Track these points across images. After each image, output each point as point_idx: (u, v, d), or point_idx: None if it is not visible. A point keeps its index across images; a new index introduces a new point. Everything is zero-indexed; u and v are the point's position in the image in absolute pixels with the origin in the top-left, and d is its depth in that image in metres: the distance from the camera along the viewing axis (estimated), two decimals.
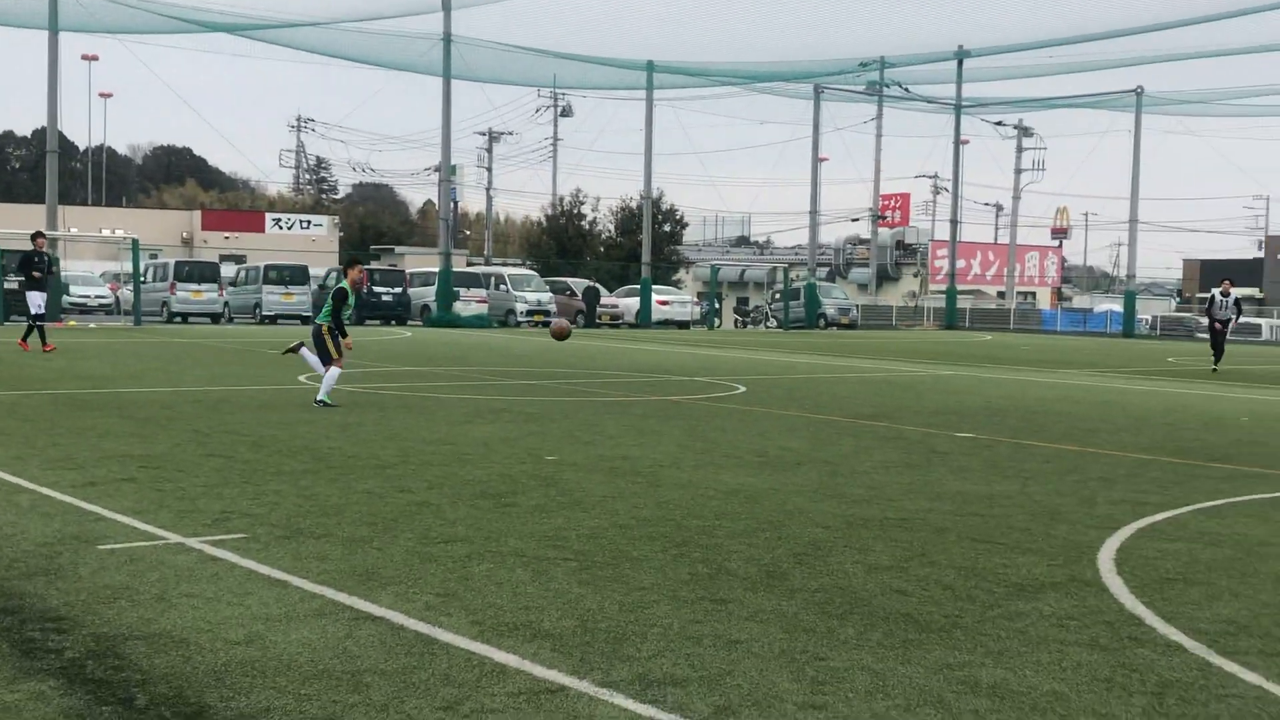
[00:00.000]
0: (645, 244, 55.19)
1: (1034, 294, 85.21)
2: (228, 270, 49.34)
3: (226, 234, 73.47)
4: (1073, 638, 5.90)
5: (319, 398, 15.18)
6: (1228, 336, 30.42)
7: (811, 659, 5.44)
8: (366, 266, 50.32)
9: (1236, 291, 31.45)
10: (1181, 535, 8.51)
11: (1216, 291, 30.39)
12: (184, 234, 74.18)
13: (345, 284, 15.76)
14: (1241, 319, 32.86)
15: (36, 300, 24.39)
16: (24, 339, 24.36)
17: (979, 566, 7.35)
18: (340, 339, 15.47)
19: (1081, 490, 10.35)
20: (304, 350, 16.19)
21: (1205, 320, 31.65)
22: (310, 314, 42.32)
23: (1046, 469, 11.56)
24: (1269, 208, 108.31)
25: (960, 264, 69.54)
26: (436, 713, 4.68)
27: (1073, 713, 4.86)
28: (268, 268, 46.06)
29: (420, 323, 47.01)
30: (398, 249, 75.52)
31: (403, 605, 6.14)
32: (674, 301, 54.57)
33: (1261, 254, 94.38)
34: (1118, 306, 65.53)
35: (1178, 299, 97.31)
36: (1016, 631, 5.97)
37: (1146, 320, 64.25)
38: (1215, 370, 28.93)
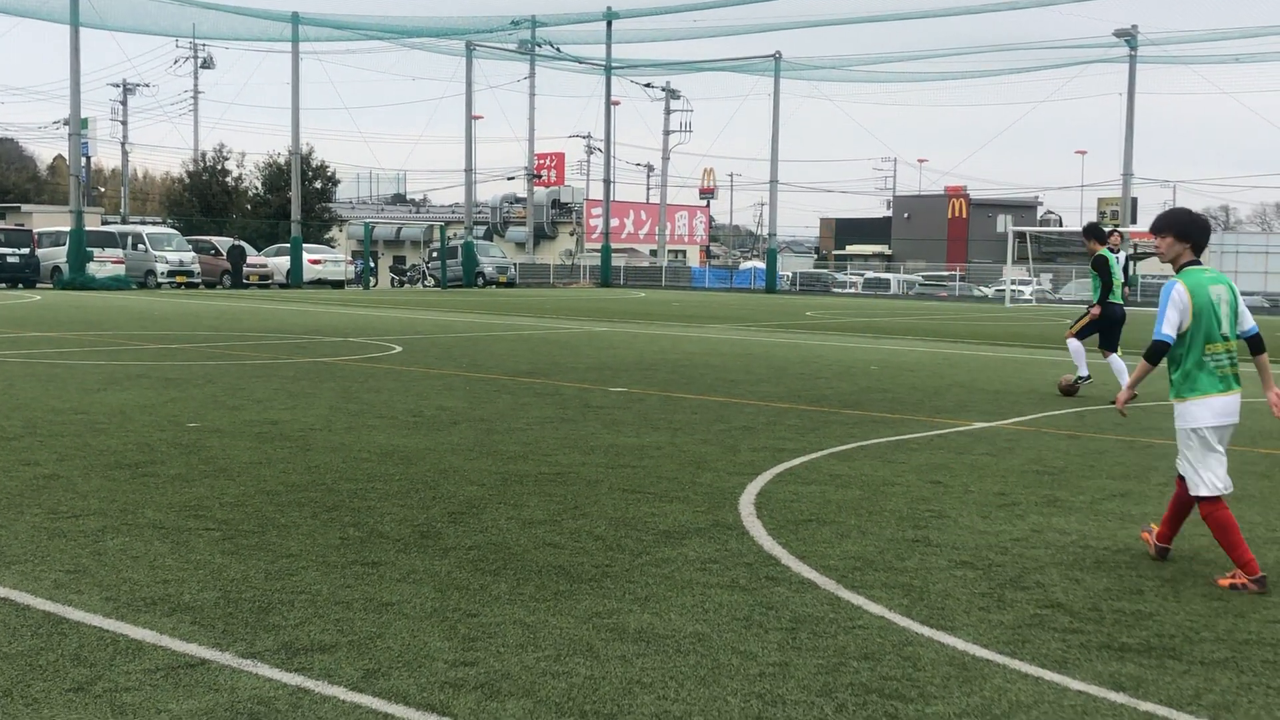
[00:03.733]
0: (295, 201, 53.58)
1: (684, 252, 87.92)
2: None
3: None
4: (715, 580, 6.14)
5: None
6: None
7: (464, 616, 5.45)
8: None
9: (866, 248, 31.28)
10: (815, 478, 9.00)
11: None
12: None
13: None
14: (870, 274, 32.12)
15: None
16: None
17: (629, 516, 7.54)
18: None
19: (726, 439, 10.78)
20: None
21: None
22: None
23: (694, 420, 11.98)
24: (896, 169, 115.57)
25: (614, 223, 70.91)
26: (66, 694, 4.42)
27: (714, 651, 5.06)
28: None
29: (51, 285, 44.10)
30: (24, 207, 70.34)
31: (29, 584, 5.76)
32: (327, 260, 53.30)
33: (890, 213, 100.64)
34: (761, 264, 68.51)
35: (816, 256, 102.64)
36: (663, 577, 6.17)
37: (787, 277, 67.46)
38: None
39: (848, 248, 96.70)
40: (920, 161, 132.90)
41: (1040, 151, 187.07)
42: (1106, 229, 15.83)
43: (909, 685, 4.74)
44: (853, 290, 66.43)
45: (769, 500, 8.16)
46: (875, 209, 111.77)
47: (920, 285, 66.47)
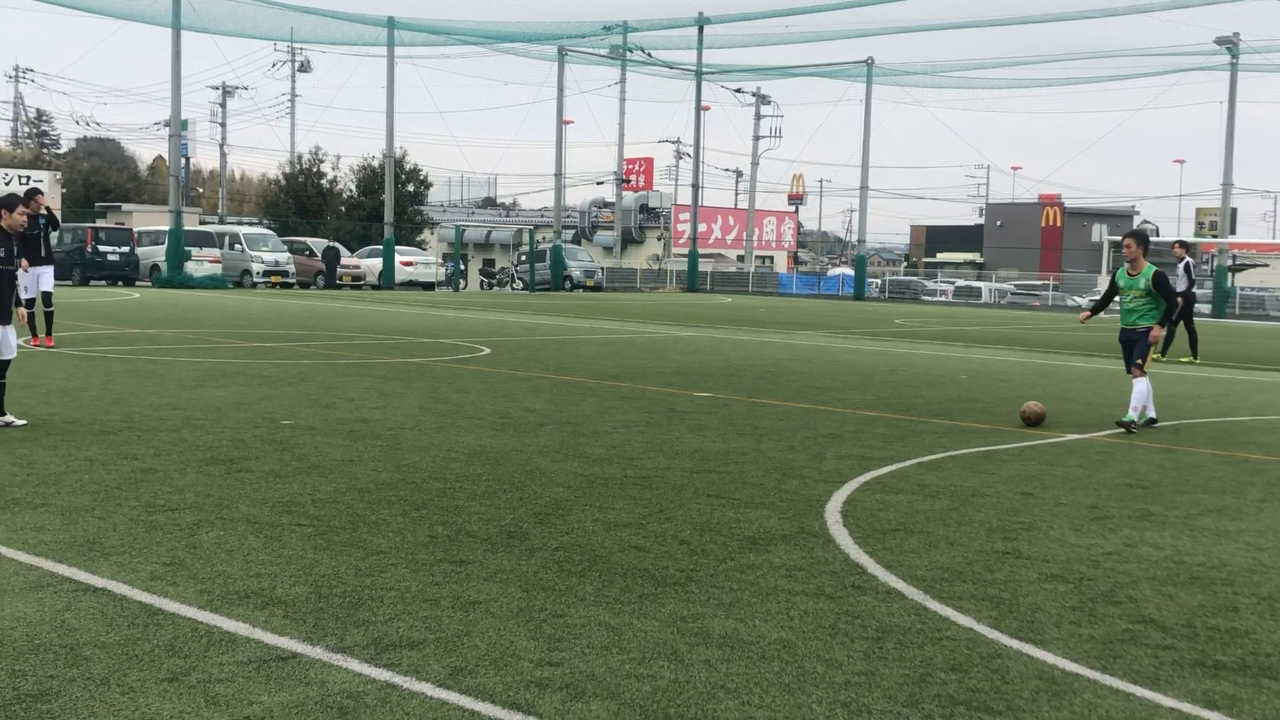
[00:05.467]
0: (388, 204, 54.21)
1: (771, 258, 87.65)
2: None
3: None
4: (800, 587, 6.12)
5: None
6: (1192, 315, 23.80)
7: (549, 616, 5.48)
8: (92, 225, 48.15)
9: (957, 256, 31.14)
10: (903, 488, 8.92)
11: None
12: None
13: None
14: (963, 283, 31.96)
15: (29, 280, 17.47)
16: (46, 333, 18.14)
17: (714, 521, 7.54)
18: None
19: (812, 446, 10.73)
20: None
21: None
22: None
23: (780, 426, 11.94)
24: (989, 176, 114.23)
25: (701, 228, 70.87)
26: (161, 684, 4.52)
27: (799, 659, 5.04)
28: None
29: (149, 283, 45.06)
30: (125, 206, 71.99)
31: (126, 576, 5.89)
32: (418, 262, 53.85)
33: (982, 220, 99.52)
34: (849, 270, 68.07)
35: (906, 263, 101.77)
36: (748, 583, 6.16)
37: (876, 283, 66.93)
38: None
39: (938, 255, 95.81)
40: (1014, 169, 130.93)
41: (1137, 160, 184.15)
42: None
43: (997, 698, 4.68)
44: (943, 298, 65.76)
45: (855, 509, 8.11)
46: (967, 216, 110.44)
47: (1012, 294, 65.63)
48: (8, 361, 10.46)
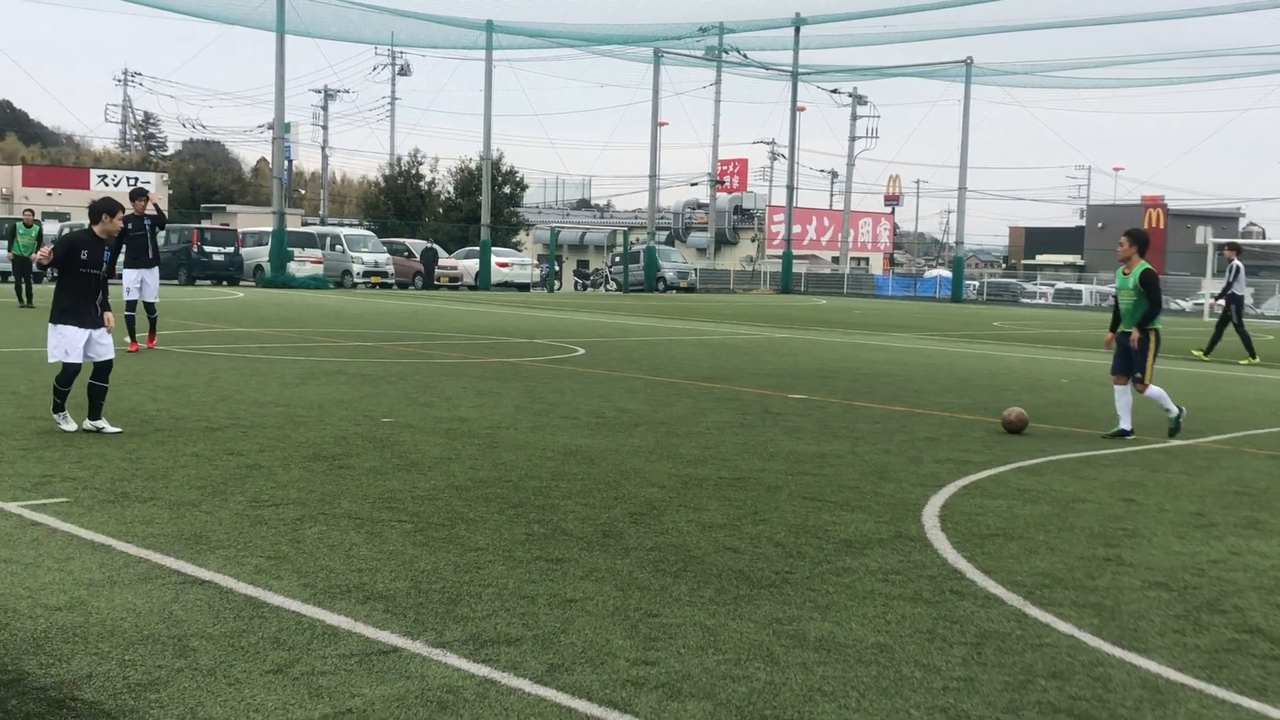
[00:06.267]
0: (485, 205, 54.71)
1: (867, 259, 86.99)
2: (51, 229, 47.32)
3: (49, 190, 70.52)
4: (897, 591, 6.08)
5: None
6: (1238, 316, 23.88)
7: (645, 616, 5.50)
8: (198, 226, 49.18)
9: (1057, 258, 31.02)
10: (1002, 492, 8.82)
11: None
12: (3, 190, 71.04)
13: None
14: (1066, 285, 31.92)
15: (131, 281, 17.32)
16: (149, 334, 17.32)
17: (809, 524, 7.51)
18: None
19: (908, 449, 10.64)
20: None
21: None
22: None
23: (875, 429, 11.85)
24: (1090, 177, 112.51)
25: (796, 229, 70.55)
26: (266, 676, 4.61)
27: (896, 663, 5.01)
28: (2, 221, 43.35)
29: (253, 283, 45.92)
30: (229, 208, 73.50)
31: (232, 569, 6.02)
32: (514, 264, 54.24)
33: (1083, 222, 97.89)
34: (946, 272, 67.34)
35: (1004, 265, 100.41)
36: (844, 586, 6.13)
37: (974, 286, 66.12)
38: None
39: (1037, 257, 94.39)
40: (1116, 170, 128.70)
41: (1243, 161, 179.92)
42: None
43: (1099, 706, 4.62)
44: (1042, 301, 64.79)
45: (953, 513, 8.03)
46: (1067, 218, 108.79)
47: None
48: (108, 363, 10.25)
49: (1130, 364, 11.82)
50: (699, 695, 4.56)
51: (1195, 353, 23.87)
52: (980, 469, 9.75)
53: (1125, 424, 11.89)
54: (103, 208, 10.24)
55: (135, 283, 17.24)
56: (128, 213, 15.84)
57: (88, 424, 10.02)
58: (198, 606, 5.41)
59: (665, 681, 4.69)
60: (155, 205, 17.36)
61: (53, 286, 10.61)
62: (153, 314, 17.32)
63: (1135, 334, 11.72)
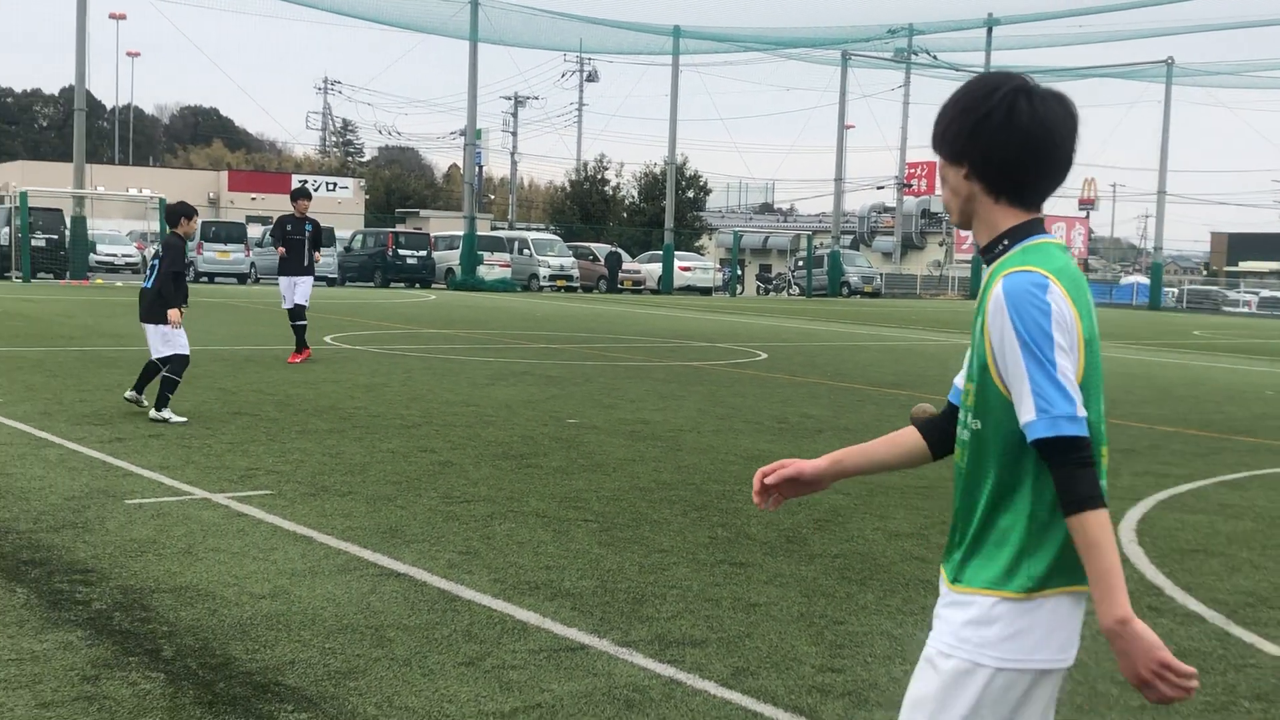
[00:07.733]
0: (668, 210, 55.06)
1: None
2: (254, 231, 49.37)
3: (253, 195, 73.53)
4: (1090, 606, 5.90)
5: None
6: None
7: (830, 623, 5.47)
8: (393, 230, 50.67)
9: (1262, 265, 29.94)
10: (1203, 507, 8.50)
11: None
12: (210, 194, 74.30)
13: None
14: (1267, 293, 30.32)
15: (284, 288, 16.34)
16: (295, 349, 15.95)
17: None
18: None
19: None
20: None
21: None
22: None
23: None
24: None
25: None
26: (459, 668, 4.73)
27: (1091, 679, 4.88)
28: (204, 224, 44.82)
29: (444, 286, 47.06)
30: (423, 212, 75.53)
31: (426, 563, 6.20)
32: (696, 268, 54.42)
33: None
34: (1143, 279, 65.13)
35: (1205, 272, 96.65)
36: None
37: (1173, 293, 63.84)
38: None
39: (1240, 264, 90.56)
40: None
41: None
42: None
43: None
44: (1246, 309, 62.13)
45: (1151, 527, 7.77)
46: (1273, 223, 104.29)
47: None
48: (185, 358, 10.87)
49: None
50: (886, 704, 4.51)
51: None
52: (1180, 482, 9.42)
53: None
54: (182, 211, 11.05)
55: (288, 290, 16.12)
56: (286, 213, 16.46)
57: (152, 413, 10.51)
58: (394, 598, 5.58)
59: (851, 689, 4.66)
60: (312, 220, 16.29)
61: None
62: (302, 319, 15.93)
63: None
